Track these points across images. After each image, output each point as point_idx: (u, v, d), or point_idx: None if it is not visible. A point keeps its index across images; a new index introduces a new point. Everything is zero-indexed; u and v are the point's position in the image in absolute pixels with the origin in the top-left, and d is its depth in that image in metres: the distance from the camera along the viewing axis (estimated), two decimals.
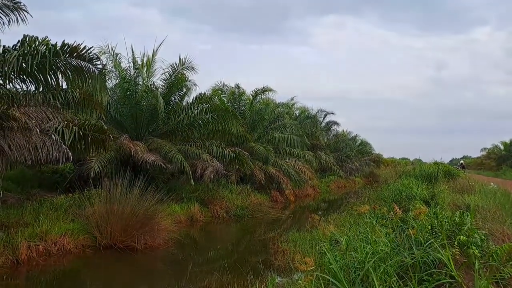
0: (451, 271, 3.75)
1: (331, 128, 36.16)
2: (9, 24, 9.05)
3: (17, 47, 7.70)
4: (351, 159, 37.14)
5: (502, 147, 50.83)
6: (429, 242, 4.46)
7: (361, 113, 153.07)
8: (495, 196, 9.47)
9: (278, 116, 23.59)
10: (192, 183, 13.29)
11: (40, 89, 8.88)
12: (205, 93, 16.28)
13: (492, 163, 50.83)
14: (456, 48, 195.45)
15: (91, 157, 11.50)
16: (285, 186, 20.50)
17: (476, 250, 4.16)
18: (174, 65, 15.10)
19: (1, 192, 8.95)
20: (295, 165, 22.16)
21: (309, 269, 4.46)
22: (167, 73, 15.28)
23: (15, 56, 7.21)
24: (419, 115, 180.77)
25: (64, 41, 7.91)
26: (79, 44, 8.07)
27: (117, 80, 15.31)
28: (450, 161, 58.79)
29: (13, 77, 8.29)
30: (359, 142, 44.91)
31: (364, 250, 4.59)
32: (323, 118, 34.73)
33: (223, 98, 21.32)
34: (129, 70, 15.25)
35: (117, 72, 15.21)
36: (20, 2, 8.98)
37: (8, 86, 8.66)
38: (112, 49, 15.04)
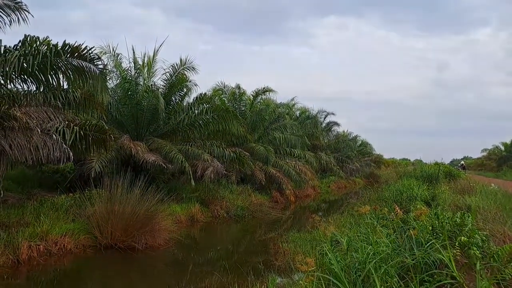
0: (452, 272, 3.74)
1: (332, 129, 36.12)
2: (10, 24, 9.07)
3: (18, 47, 7.72)
4: (351, 159, 37.12)
5: (502, 148, 50.86)
6: (430, 243, 4.46)
7: (361, 113, 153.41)
8: (495, 197, 9.47)
9: (278, 116, 23.60)
10: (193, 183, 13.29)
11: (41, 89, 8.90)
12: (205, 93, 16.28)
13: (492, 164, 50.84)
14: (457, 49, 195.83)
15: (92, 157, 11.51)
16: (285, 187, 20.50)
17: (477, 251, 4.15)
18: (175, 65, 15.11)
19: (2, 192, 8.97)
20: (296, 165, 22.15)
21: (310, 269, 4.46)
22: (168, 73, 15.30)
23: (16, 56, 7.23)
24: (420, 116, 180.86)
25: (65, 41, 7.94)
26: (80, 44, 8.09)
27: (118, 80, 15.32)
28: (451, 161, 58.59)
29: (14, 77, 8.30)
30: (360, 142, 44.93)
31: (365, 251, 4.59)
32: (324, 119, 34.74)
33: (223, 98, 21.33)
34: (130, 70, 15.27)
35: (118, 72, 15.22)
36: (21, 2, 8.99)
37: (9, 86, 8.68)
38: (113, 49, 15.08)
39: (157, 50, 15.34)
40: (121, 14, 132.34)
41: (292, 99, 30.42)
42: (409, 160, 58.72)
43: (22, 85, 8.77)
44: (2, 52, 7.70)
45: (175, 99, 15.89)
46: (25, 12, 9.05)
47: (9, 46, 7.77)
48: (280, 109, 25.95)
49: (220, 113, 14.55)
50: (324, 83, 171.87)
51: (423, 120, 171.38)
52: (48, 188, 13.19)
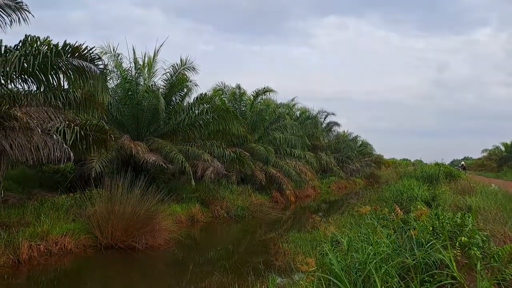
0: (453, 272, 3.74)
1: (332, 129, 36.13)
2: (11, 24, 9.08)
3: (19, 47, 7.72)
4: (351, 160, 37.12)
5: (503, 148, 50.87)
6: (431, 243, 4.46)
7: (361, 113, 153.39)
8: (496, 197, 9.47)
9: (279, 116, 23.59)
10: (193, 183, 13.29)
11: (42, 89, 8.91)
12: (206, 93, 16.27)
13: (493, 164, 50.84)
14: (457, 49, 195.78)
15: (92, 157, 11.51)
16: (285, 187, 20.50)
17: (478, 251, 4.15)
18: (175, 65, 15.11)
19: (2, 192, 8.98)
20: (296, 165, 22.16)
21: (311, 269, 4.46)
22: (168, 74, 15.30)
23: (16, 56, 7.23)
24: (420, 116, 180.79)
25: (65, 41, 7.95)
26: (80, 44, 8.10)
27: (119, 80, 15.33)
28: (451, 162, 58.75)
29: (14, 77, 8.31)
30: (360, 143, 44.92)
31: (365, 251, 4.59)
32: (324, 119, 34.76)
33: (224, 98, 21.33)
34: (131, 71, 15.29)
35: (118, 72, 15.24)
36: (22, 2, 9.00)
37: (9, 86, 8.68)
38: (113, 49, 15.11)
39: (158, 50, 15.40)
40: (121, 14, 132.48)
41: (293, 99, 30.47)
42: (410, 161, 58.79)
43: (22, 85, 8.79)
44: (2, 52, 7.71)
45: (176, 99, 15.89)
46: (26, 12, 9.06)
47: (10, 46, 7.78)
48: (280, 109, 25.97)
49: (221, 113, 14.55)
50: (324, 83, 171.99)
51: (423, 120, 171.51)
52: (49, 188, 13.20)
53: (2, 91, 8.44)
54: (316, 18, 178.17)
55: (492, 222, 6.22)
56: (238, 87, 22.10)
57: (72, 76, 8.65)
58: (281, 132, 22.36)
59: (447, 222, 5.06)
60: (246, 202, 16.56)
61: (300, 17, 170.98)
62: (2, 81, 8.34)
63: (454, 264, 3.79)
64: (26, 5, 9.04)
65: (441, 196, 10.52)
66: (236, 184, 18.10)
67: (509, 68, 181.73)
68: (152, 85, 15.32)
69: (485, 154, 55.67)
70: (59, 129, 8.52)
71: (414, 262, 4.27)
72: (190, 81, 15.80)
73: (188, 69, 15.21)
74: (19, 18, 9.08)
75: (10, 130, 7.82)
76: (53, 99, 8.84)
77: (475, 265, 3.90)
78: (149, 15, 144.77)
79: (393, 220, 6.29)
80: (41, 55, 7.40)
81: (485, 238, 4.55)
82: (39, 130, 7.99)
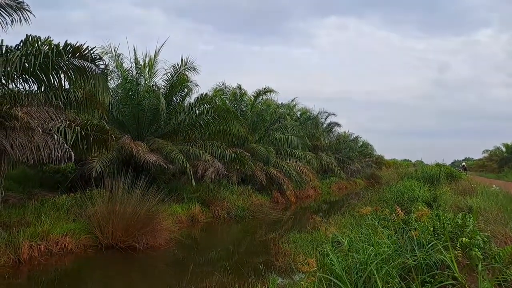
0: (454, 273, 3.74)
1: (333, 129, 36.11)
2: (12, 24, 9.08)
3: (19, 47, 7.73)
4: (352, 160, 37.10)
5: (504, 149, 50.80)
6: (432, 243, 4.45)
7: (361, 113, 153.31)
8: (497, 198, 9.47)
9: (279, 117, 23.60)
10: (193, 183, 13.29)
11: (43, 89, 8.91)
12: (206, 93, 16.28)
13: (494, 165, 50.76)
14: (458, 50, 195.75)
15: (93, 157, 11.52)
16: (286, 187, 20.49)
17: (479, 252, 4.15)
18: (176, 65, 15.12)
19: (3, 192, 8.98)
20: (296, 166, 22.15)
21: (312, 270, 4.46)
22: (169, 74, 15.32)
23: (17, 56, 7.24)
24: (421, 117, 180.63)
25: (66, 41, 7.96)
26: (81, 44, 8.10)
27: (119, 81, 15.34)
28: (452, 162, 58.58)
29: (15, 77, 8.32)
30: (361, 143, 44.90)
31: (366, 252, 4.58)
32: (325, 119, 34.74)
33: (224, 98, 21.33)
34: (131, 71, 15.30)
35: (119, 73, 15.25)
36: (23, 2, 9.01)
37: (10, 86, 8.69)
38: (114, 50, 15.13)
39: (158, 50, 15.41)
40: (121, 14, 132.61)
41: (293, 100, 30.45)
42: (410, 161, 58.80)
43: (23, 85, 8.80)
44: (3, 52, 7.72)
45: (176, 100, 15.90)
46: (27, 12, 9.07)
47: (11, 46, 7.79)
48: (281, 110, 25.98)
49: (221, 114, 14.55)
50: (324, 83, 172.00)
51: (424, 120, 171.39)
52: (49, 188, 13.20)
53: (3, 91, 8.45)
54: (316, 19, 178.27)
55: (493, 223, 6.21)
56: (239, 87, 22.11)
57: (73, 76, 8.66)
58: (281, 132, 22.35)
59: (448, 223, 5.05)
60: (247, 202, 16.55)
61: (300, 18, 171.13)
62: (3, 81, 8.35)
63: (455, 264, 3.79)
64: (27, 5, 9.06)
65: (442, 196, 10.51)
66: (236, 185, 18.09)
67: (509, 69, 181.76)
68: (153, 85, 15.34)
69: (485, 155, 55.68)
70: (60, 129, 8.53)
71: (415, 262, 4.26)
72: (191, 81, 15.83)
73: (189, 69, 15.23)
74: (20, 18, 9.09)
75: (11, 130, 7.82)
76: (54, 99, 8.84)
77: (476, 266, 3.90)
78: (149, 15, 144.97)
79: (394, 221, 6.28)
80: (42, 55, 7.41)
81: (486, 239, 4.55)
82: (40, 130, 8.00)
